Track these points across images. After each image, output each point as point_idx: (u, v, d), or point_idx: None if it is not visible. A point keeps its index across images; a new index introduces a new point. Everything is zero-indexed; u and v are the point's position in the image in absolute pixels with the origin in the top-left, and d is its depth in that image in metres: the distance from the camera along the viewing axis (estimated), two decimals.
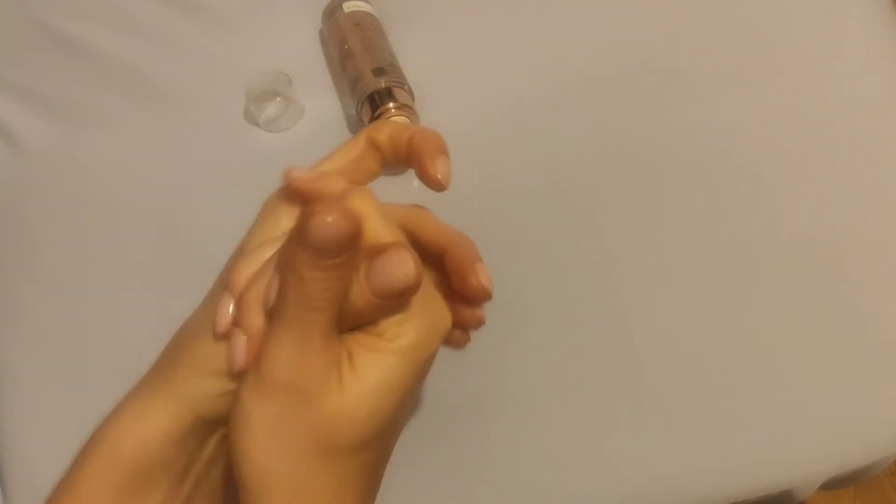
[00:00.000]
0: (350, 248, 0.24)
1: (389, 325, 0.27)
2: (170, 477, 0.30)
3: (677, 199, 0.46)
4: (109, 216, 0.46)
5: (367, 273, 0.25)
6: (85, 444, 0.31)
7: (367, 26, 0.47)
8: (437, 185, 0.30)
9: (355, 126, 0.46)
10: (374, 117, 0.43)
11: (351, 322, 0.27)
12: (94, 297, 0.44)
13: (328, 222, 0.23)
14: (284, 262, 0.25)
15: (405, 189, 0.46)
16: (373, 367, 0.26)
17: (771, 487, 0.42)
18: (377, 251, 0.26)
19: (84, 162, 0.46)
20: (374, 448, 0.28)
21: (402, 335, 0.26)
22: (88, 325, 0.44)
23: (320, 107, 0.48)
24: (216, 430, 0.30)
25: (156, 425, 0.29)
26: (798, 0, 0.50)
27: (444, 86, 0.48)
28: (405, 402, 0.28)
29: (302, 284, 0.25)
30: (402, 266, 0.25)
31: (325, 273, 0.24)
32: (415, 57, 0.48)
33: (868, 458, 0.42)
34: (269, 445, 0.26)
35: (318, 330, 0.25)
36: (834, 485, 0.45)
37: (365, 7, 0.48)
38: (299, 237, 0.24)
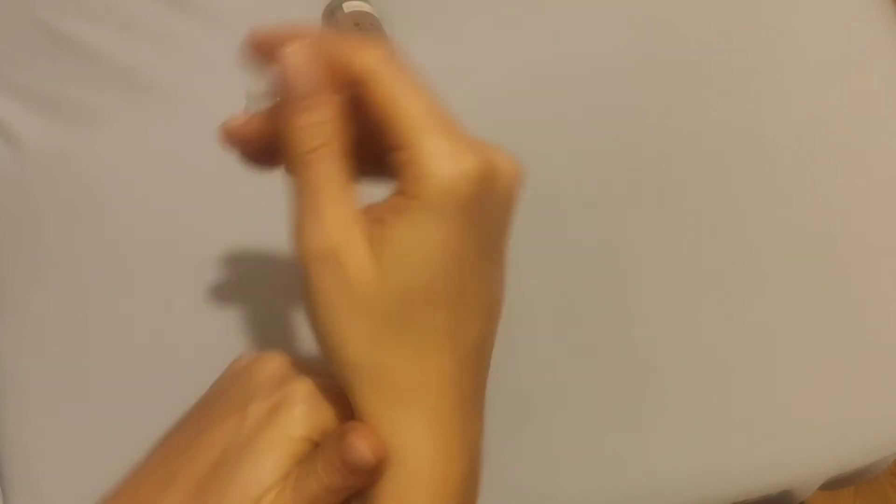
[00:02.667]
0: (323, 84, 0.25)
1: (409, 180, 0.24)
2: None
3: (679, 198, 0.46)
4: (109, 215, 0.46)
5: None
6: None
7: (367, 26, 0.47)
8: None
9: None
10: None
11: None
12: (95, 296, 0.44)
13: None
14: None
15: None
16: (404, 229, 0.24)
17: (771, 487, 0.42)
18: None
19: (84, 162, 0.46)
20: (442, 317, 0.26)
21: (412, 185, 0.24)
22: (89, 325, 0.44)
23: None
24: None
25: None
26: (798, 1, 0.50)
27: (445, 86, 0.48)
28: (467, 263, 0.25)
29: (293, 138, 0.25)
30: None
31: (310, 114, 0.25)
32: (415, 57, 0.48)
33: (868, 458, 0.42)
34: (333, 321, 0.25)
35: (326, 189, 0.25)
36: (834, 485, 0.45)
37: (365, 7, 0.48)
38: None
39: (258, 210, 0.46)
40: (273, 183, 0.46)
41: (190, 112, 0.48)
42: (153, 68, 0.49)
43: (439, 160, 0.24)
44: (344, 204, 0.25)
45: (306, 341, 0.43)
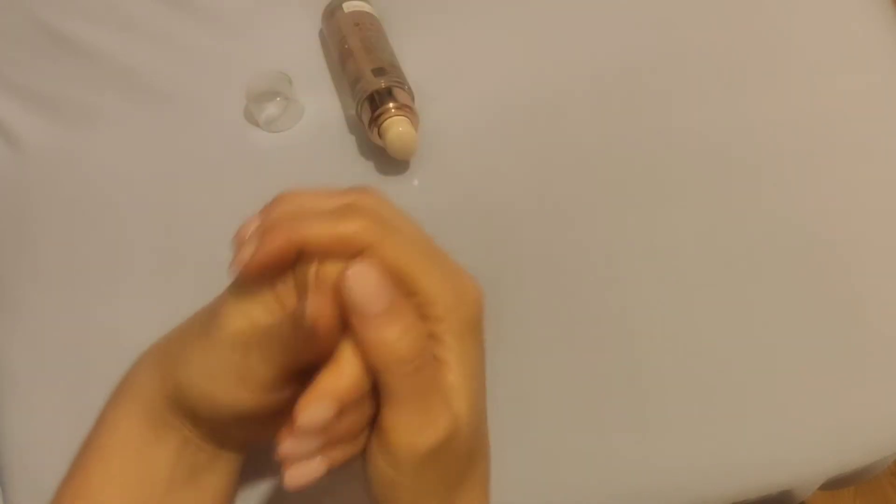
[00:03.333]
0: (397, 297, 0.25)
1: (381, 444, 0.26)
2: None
3: (678, 199, 0.46)
4: (109, 216, 0.46)
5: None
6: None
7: (367, 26, 0.47)
8: None
9: (355, 126, 0.46)
10: (374, 117, 0.43)
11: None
12: (95, 296, 0.44)
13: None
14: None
15: (406, 189, 0.46)
16: (454, 370, 0.27)
17: (771, 487, 0.42)
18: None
19: (84, 162, 0.46)
20: (478, 463, 0.30)
21: (391, 451, 0.26)
22: (88, 325, 0.44)
23: (320, 107, 0.48)
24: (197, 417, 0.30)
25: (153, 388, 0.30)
26: (798, 1, 0.50)
27: (444, 86, 0.48)
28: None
29: (386, 352, 0.25)
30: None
31: (398, 326, 0.25)
32: (415, 57, 0.48)
33: (868, 458, 0.42)
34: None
35: (435, 389, 0.26)
36: (834, 485, 0.45)
37: (365, 7, 0.48)
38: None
39: (257, 209, 0.46)
40: (272, 182, 0.46)
41: (190, 112, 0.48)
42: (153, 68, 0.49)
43: (406, 434, 0.26)
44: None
45: None
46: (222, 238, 0.46)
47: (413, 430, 0.25)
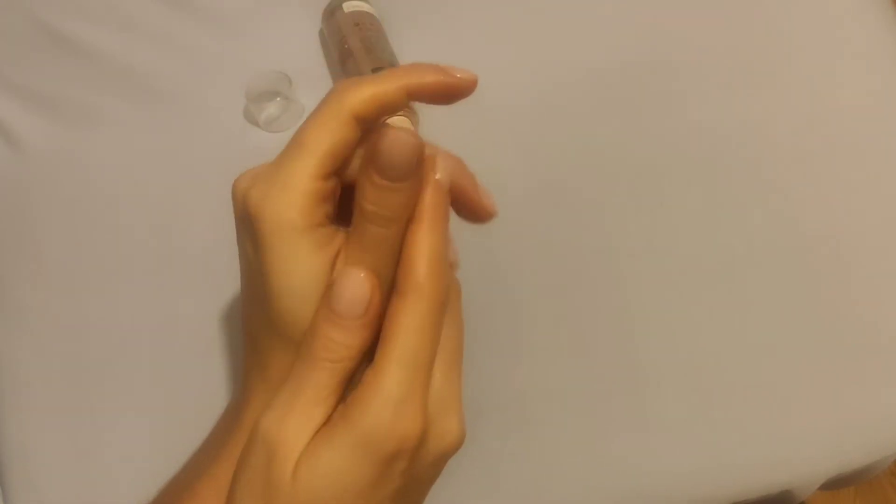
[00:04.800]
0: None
1: (356, 398, 0.24)
2: None
3: (678, 198, 0.46)
4: (109, 216, 0.46)
5: (370, 158, 0.24)
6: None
7: (367, 26, 0.47)
8: (489, 215, 0.31)
9: None
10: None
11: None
12: (95, 296, 0.44)
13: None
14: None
15: None
16: (329, 450, 0.24)
17: (771, 487, 0.42)
18: (374, 140, 0.24)
19: (84, 162, 0.46)
20: None
21: (355, 409, 0.24)
22: (88, 325, 0.44)
23: None
24: None
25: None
26: (798, 0, 0.50)
27: None
28: None
29: (315, 340, 0.25)
30: (399, 138, 0.24)
31: (342, 332, 0.25)
32: (415, 57, 0.47)
33: (868, 458, 0.42)
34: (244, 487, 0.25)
35: (313, 395, 0.24)
36: (834, 485, 0.45)
37: (365, 7, 0.48)
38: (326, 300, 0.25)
39: None
40: None
41: (190, 112, 0.48)
42: (153, 68, 0.49)
43: (385, 406, 0.24)
44: (318, 415, 0.24)
45: None
46: (222, 238, 0.47)
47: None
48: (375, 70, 0.44)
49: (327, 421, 0.25)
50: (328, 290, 0.25)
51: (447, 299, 0.27)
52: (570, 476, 0.41)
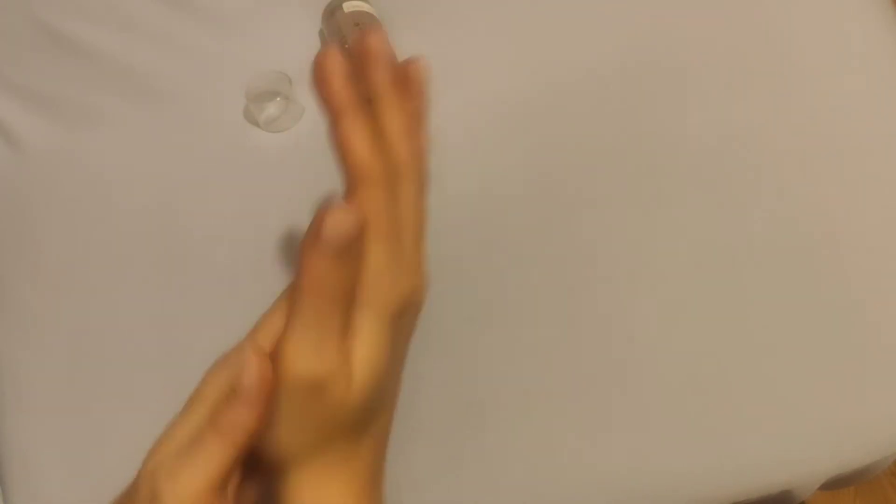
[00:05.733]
0: (358, 240, 0.26)
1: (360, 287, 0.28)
2: None
3: (676, 198, 0.46)
4: (109, 216, 0.46)
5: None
6: None
7: (367, 26, 0.47)
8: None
9: None
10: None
11: None
12: (95, 296, 0.44)
13: (340, 220, 0.25)
14: (299, 264, 0.26)
15: None
16: (366, 342, 0.28)
17: (771, 487, 0.42)
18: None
19: (84, 162, 0.46)
20: (377, 418, 0.30)
21: (368, 291, 0.28)
22: (88, 325, 0.44)
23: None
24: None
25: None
26: (797, 1, 0.50)
27: (444, 86, 0.48)
28: (391, 366, 0.30)
29: (318, 278, 0.26)
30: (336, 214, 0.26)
31: (336, 264, 0.26)
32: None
33: (868, 458, 0.42)
34: (295, 433, 0.28)
35: (335, 325, 0.27)
36: (834, 485, 0.45)
37: (365, 7, 0.48)
38: (314, 236, 0.25)
39: (257, 209, 0.46)
40: (272, 182, 0.46)
41: (190, 112, 0.48)
42: (153, 68, 0.49)
43: (385, 276, 0.29)
44: (346, 342, 0.28)
45: None
46: (222, 238, 0.47)
47: (297, 354, 0.26)
48: None
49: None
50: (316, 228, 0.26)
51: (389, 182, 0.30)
52: (569, 476, 0.41)
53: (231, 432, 0.28)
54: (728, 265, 0.44)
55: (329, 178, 0.40)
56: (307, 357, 0.26)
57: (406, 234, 0.31)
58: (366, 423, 0.30)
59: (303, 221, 0.45)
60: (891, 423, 0.42)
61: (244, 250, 0.44)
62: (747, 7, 0.50)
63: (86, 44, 0.49)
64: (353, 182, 0.30)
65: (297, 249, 0.26)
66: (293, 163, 0.46)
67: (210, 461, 0.28)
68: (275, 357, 0.27)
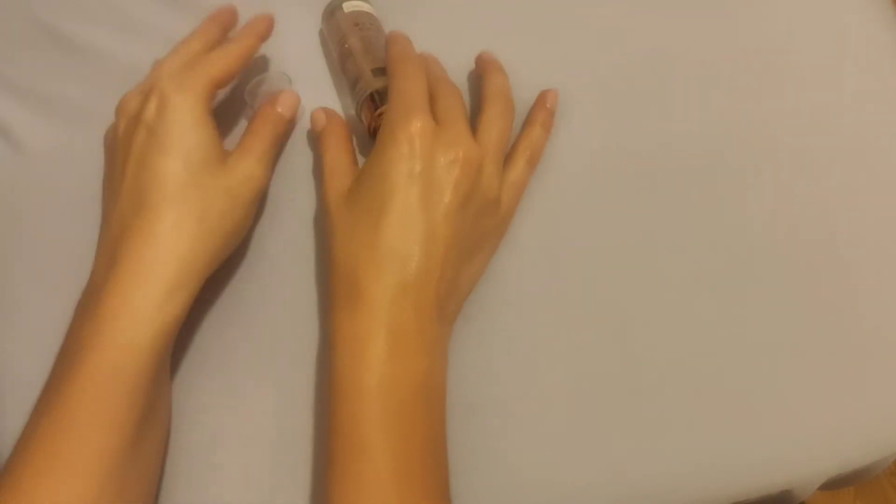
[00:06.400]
0: None
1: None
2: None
3: (676, 198, 0.46)
4: None
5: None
6: (92, 331, 0.35)
7: (367, 26, 0.47)
8: None
9: (355, 126, 0.46)
10: (374, 117, 0.43)
11: None
12: None
13: None
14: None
15: None
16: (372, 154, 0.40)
17: (771, 487, 0.42)
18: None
19: (84, 162, 0.46)
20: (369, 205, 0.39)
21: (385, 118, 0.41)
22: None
23: (320, 107, 0.48)
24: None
25: (183, 304, 0.37)
26: (797, 1, 0.50)
27: None
28: (409, 185, 0.38)
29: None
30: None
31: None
32: None
33: (868, 458, 0.43)
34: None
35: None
36: (834, 485, 0.46)
37: (365, 7, 0.48)
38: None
39: (257, 210, 0.46)
40: (273, 182, 0.46)
41: None
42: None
43: (393, 115, 0.39)
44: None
45: (305, 337, 0.43)
46: None
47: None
48: (375, 70, 0.44)
49: None
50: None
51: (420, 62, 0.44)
52: (568, 476, 0.41)
53: (249, 37, 0.44)
54: (728, 265, 0.44)
55: None
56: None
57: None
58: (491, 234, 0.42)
59: (303, 218, 0.45)
60: (891, 423, 0.42)
61: (243, 247, 0.44)
62: (747, 7, 0.50)
63: (86, 44, 0.49)
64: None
65: None
66: (293, 162, 0.46)
67: (218, 61, 0.41)
68: None
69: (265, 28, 0.44)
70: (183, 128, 0.38)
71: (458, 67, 0.48)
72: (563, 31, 0.50)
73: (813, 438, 0.42)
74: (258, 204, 0.42)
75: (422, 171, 0.37)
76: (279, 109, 0.43)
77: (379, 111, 0.43)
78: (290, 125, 0.45)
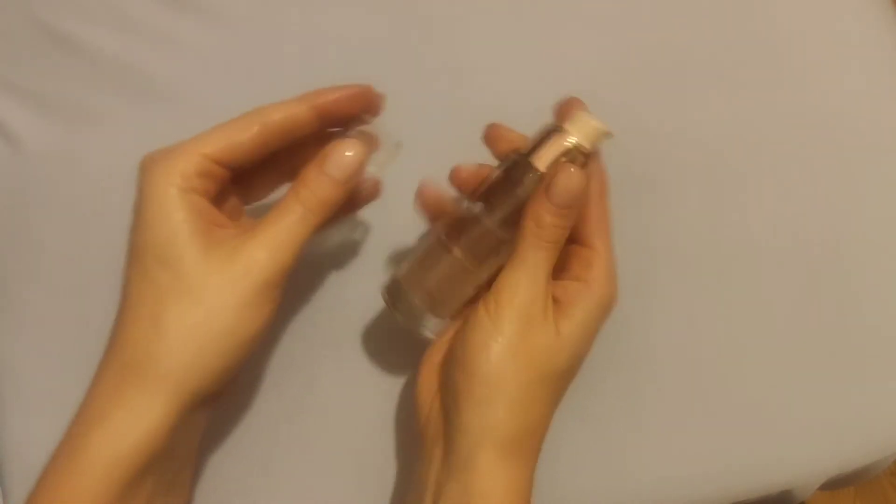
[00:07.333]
0: (581, 198, 0.33)
1: (580, 269, 0.34)
2: (165, 461, 0.30)
3: (676, 198, 0.46)
4: (109, 216, 0.46)
5: (549, 193, 0.32)
6: (60, 456, 0.30)
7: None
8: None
9: None
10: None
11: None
12: (95, 296, 0.44)
13: (574, 177, 0.32)
14: (527, 213, 0.32)
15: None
16: (580, 308, 0.33)
17: (771, 487, 0.42)
18: (548, 178, 0.33)
19: (84, 162, 0.46)
20: (570, 377, 0.35)
21: (594, 279, 0.34)
22: (88, 325, 0.43)
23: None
24: (204, 406, 0.31)
25: (155, 420, 0.29)
26: (798, 1, 0.50)
27: (446, 86, 0.48)
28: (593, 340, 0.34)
29: (541, 229, 0.32)
30: (571, 176, 0.32)
31: (560, 219, 0.32)
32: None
33: (868, 458, 0.43)
34: (502, 362, 0.31)
35: (546, 268, 0.33)
36: (834, 485, 0.46)
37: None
38: (544, 192, 0.32)
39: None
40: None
41: (190, 112, 0.48)
42: (153, 68, 0.49)
43: (611, 275, 0.35)
44: (551, 288, 0.34)
45: (302, 334, 0.43)
46: None
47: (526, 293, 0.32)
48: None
49: (561, 287, 0.34)
50: (549, 186, 0.32)
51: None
52: (568, 476, 0.41)
53: (258, 119, 0.33)
54: (727, 265, 0.44)
55: None
56: (523, 291, 0.32)
57: None
58: (567, 377, 0.35)
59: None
60: (891, 423, 0.42)
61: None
62: (748, 7, 0.50)
63: (86, 44, 0.49)
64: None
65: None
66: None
67: (198, 143, 0.32)
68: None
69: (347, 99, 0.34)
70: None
71: (457, 71, 0.48)
72: (561, 32, 0.50)
73: (813, 438, 0.42)
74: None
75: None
76: (327, 170, 0.32)
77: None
78: (340, 193, 0.33)
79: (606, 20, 0.50)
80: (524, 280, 0.32)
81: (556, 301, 0.33)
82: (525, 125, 0.48)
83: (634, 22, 0.50)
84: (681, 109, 0.47)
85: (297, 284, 0.43)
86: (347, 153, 0.32)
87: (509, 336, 0.31)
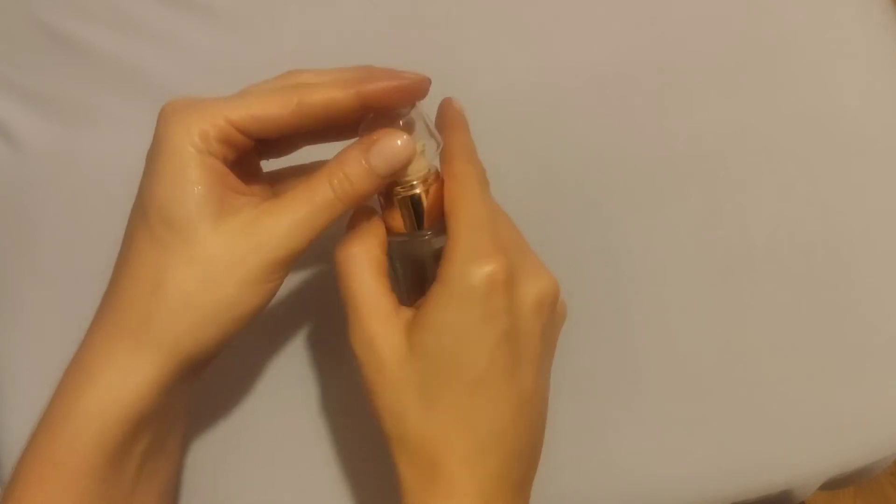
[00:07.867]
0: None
1: (442, 265, 0.30)
2: (155, 423, 0.30)
3: (676, 199, 0.46)
4: (110, 216, 0.46)
5: (368, 158, 0.30)
6: (51, 416, 0.30)
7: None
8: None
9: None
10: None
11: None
12: (95, 296, 0.44)
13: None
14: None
15: None
16: (429, 310, 0.30)
17: (771, 487, 0.42)
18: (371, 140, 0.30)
19: (84, 162, 0.46)
20: (465, 394, 0.31)
21: (452, 269, 0.30)
22: (88, 324, 0.44)
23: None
24: (194, 372, 0.31)
25: (145, 382, 0.29)
26: (797, 1, 0.50)
27: (445, 88, 0.48)
28: (490, 353, 0.30)
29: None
30: (393, 140, 0.30)
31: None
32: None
33: (868, 458, 0.43)
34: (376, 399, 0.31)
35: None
36: (834, 485, 0.45)
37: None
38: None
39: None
40: None
41: None
42: (153, 68, 0.49)
43: (467, 256, 0.29)
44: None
45: (302, 332, 0.43)
46: None
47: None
48: None
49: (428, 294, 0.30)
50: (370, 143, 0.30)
51: (485, 178, 0.33)
52: (568, 476, 0.41)
53: (292, 91, 0.30)
54: (727, 265, 0.44)
55: None
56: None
57: None
58: (453, 399, 0.30)
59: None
60: (891, 423, 0.42)
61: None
62: (748, 7, 0.50)
63: (86, 44, 0.49)
64: None
65: None
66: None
67: (225, 106, 0.30)
68: None
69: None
70: None
71: (457, 71, 0.48)
72: (560, 33, 0.50)
73: (813, 438, 0.42)
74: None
75: (509, 328, 0.30)
76: (371, 160, 0.30)
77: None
78: (376, 187, 0.31)
79: (606, 20, 0.50)
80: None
81: (417, 308, 0.30)
82: (525, 125, 0.48)
83: (634, 22, 0.50)
84: (680, 109, 0.47)
85: (298, 275, 0.43)
86: (398, 143, 0.30)
87: (364, 374, 0.31)
